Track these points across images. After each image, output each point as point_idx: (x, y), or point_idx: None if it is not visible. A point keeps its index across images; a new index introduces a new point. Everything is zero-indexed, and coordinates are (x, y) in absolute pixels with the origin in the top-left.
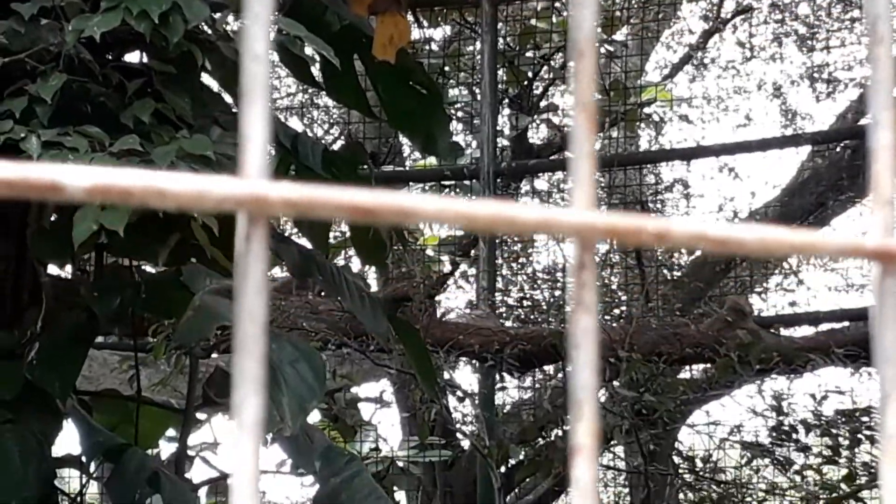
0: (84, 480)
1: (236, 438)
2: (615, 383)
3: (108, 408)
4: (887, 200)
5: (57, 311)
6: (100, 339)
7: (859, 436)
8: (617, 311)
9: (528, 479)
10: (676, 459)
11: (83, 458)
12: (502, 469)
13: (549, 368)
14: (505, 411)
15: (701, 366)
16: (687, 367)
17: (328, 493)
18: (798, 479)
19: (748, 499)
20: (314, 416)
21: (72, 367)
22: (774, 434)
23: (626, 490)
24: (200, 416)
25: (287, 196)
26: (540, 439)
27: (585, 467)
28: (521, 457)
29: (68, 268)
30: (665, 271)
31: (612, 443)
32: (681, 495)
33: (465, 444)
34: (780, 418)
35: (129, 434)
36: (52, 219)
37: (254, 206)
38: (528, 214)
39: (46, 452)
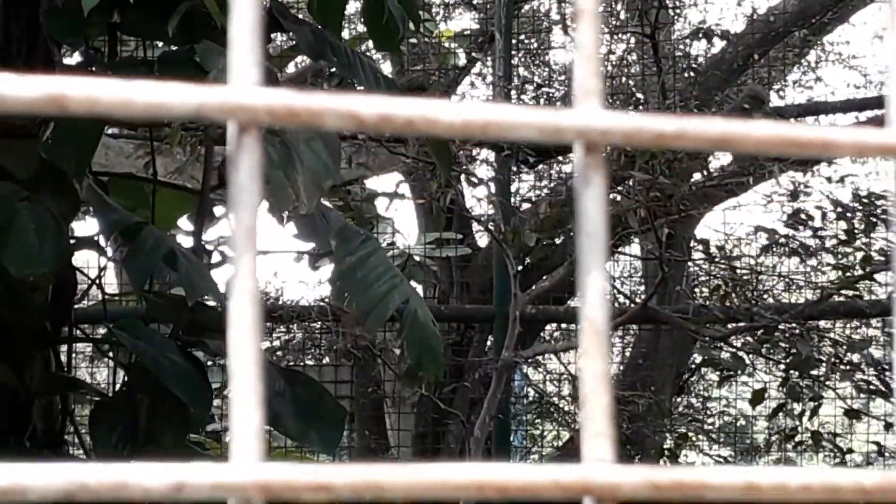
0: (102, 263)
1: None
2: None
3: (125, 191)
4: None
5: None
6: (115, 130)
7: (873, 219)
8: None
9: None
10: (693, 247)
11: (100, 239)
12: (519, 268)
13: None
14: (522, 207)
15: (718, 164)
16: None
17: (344, 271)
18: (814, 262)
19: (763, 288)
20: None
21: (87, 146)
22: (791, 221)
23: (642, 288)
24: (217, 207)
25: None
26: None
27: (587, 30)
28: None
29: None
30: (682, 66)
31: (626, 230)
32: (696, 290)
33: (482, 242)
34: (796, 204)
35: (146, 217)
36: None
37: None
38: None
39: (63, 230)
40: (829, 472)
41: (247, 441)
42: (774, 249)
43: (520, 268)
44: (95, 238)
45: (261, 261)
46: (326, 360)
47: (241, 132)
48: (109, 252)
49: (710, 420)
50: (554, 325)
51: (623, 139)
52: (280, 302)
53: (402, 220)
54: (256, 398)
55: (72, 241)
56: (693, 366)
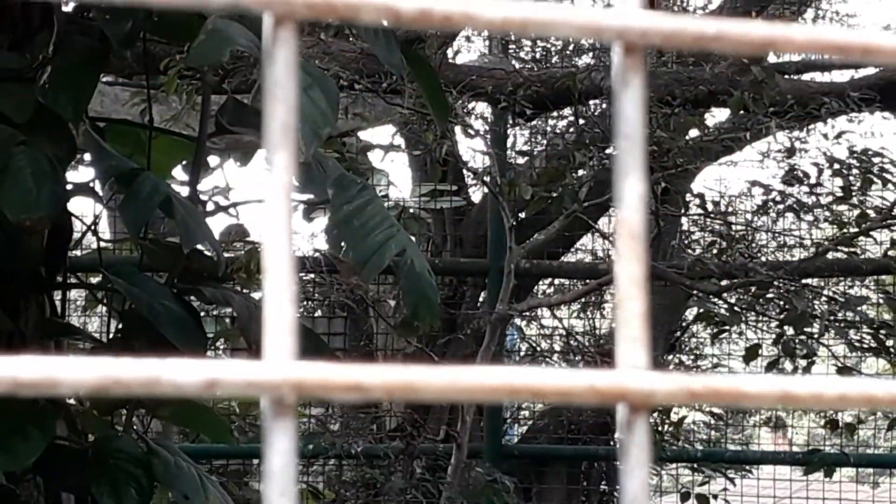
0: (97, 210)
1: None
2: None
3: (121, 138)
4: None
5: (69, 34)
6: (110, 77)
7: (870, 176)
8: None
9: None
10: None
11: (96, 185)
12: (513, 223)
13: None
14: (517, 160)
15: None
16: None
17: (341, 219)
18: (810, 217)
19: (758, 245)
20: None
21: (84, 91)
22: (787, 179)
23: None
24: (213, 157)
25: None
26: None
27: None
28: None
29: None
30: None
31: None
32: (690, 247)
33: (476, 197)
34: (792, 161)
35: (142, 164)
36: None
37: None
38: None
39: (60, 175)
40: (866, 382)
41: (280, 339)
42: (770, 206)
43: (514, 222)
44: (91, 184)
45: (255, 210)
46: (319, 312)
47: (277, 25)
48: (106, 201)
49: None
50: (547, 282)
51: (663, 40)
52: None
53: (397, 174)
54: (290, 294)
55: (68, 187)
56: (685, 323)
